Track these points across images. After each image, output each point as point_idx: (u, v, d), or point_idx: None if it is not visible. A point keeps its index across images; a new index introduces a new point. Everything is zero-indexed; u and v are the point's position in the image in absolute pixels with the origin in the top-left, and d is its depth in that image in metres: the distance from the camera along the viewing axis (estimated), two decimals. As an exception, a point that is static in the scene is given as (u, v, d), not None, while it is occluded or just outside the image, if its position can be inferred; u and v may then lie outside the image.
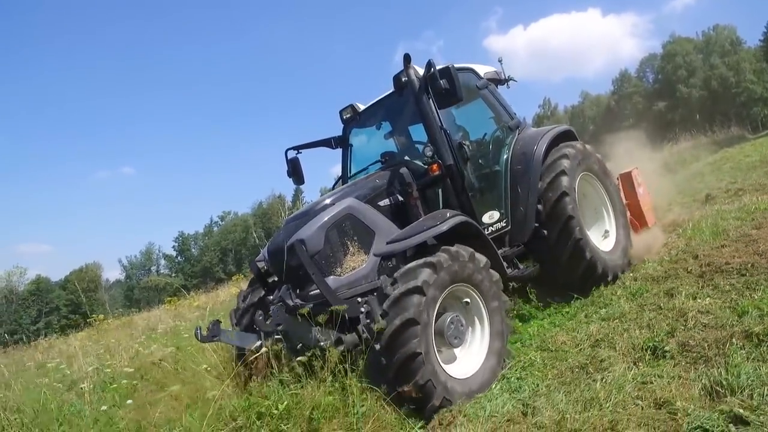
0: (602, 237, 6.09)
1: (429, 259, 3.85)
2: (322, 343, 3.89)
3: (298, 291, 4.48)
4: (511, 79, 6.61)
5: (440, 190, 5.12)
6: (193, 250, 75.88)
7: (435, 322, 3.89)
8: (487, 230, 5.27)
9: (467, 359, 4.17)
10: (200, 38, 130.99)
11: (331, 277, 4.35)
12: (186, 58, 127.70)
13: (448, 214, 4.40)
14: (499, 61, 6.62)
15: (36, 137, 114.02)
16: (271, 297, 4.81)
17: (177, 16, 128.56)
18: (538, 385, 3.73)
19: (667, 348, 3.63)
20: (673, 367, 3.40)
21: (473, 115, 6.15)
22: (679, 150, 21.15)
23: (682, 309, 4.16)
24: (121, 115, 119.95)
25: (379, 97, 5.95)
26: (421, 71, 4.94)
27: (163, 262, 76.82)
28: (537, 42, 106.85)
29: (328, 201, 4.75)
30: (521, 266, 5.45)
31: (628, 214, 6.54)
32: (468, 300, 4.20)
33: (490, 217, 5.43)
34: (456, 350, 4.17)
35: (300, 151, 6.32)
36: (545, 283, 5.70)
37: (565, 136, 6.16)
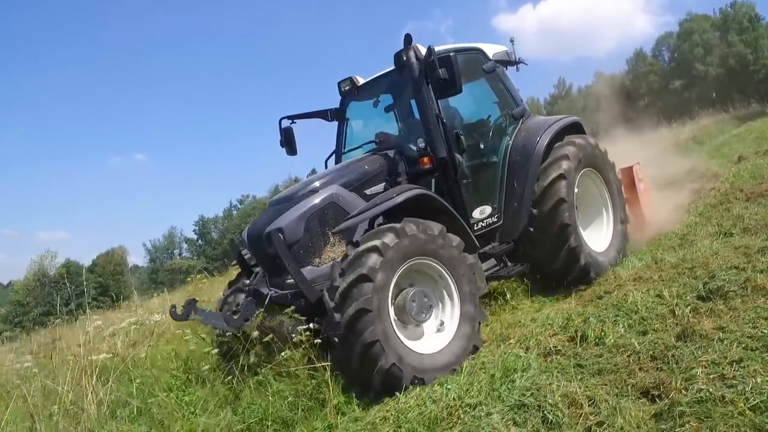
0: (597, 235, 5.90)
1: (373, 242, 3.73)
2: (294, 336, 3.83)
3: (275, 279, 4.40)
4: (521, 62, 6.26)
5: (433, 180, 4.93)
6: (213, 233, 77.07)
7: (395, 300, 3.85)
8: (477, 225, 5.07)
9: (437, 333, 4.10)
10: (212, 23, 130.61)
11: (309, 267, 4.26)
12: (201, 44, 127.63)
13: (404, 189, 4.21)
14: (511, 41, 6.30)
15: (42, 126, 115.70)
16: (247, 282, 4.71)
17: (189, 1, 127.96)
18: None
19: (733, 231, 5.66)
20: (740, 239, 5.29)
21: (478, 99, 5.90)
22: (703, 125, 21.33)
23: (740, 215, 6.20)
24: (130, 103, 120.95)
25: (380, 73, 5.66)
26: (424, 51, 4.68)
27: (185, 245, 78.38)
28: (547, 20, 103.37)
29: (317, 184, 4.60)
30: (509, 264, 5.25)
31: (627, 209, 6.36)
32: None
33: (481, 212, 5.20)
34: (425, 325, 4.08)
35: (294, 121, 6.09)
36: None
37: (572, 129, 5.87)
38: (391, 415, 3.32)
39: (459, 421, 3.08)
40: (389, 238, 3.75)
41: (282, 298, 4.22)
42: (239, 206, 79.12)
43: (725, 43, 54.59)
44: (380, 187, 4.76)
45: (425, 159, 4.73)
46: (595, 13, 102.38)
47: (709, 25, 56.88)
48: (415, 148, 4.96)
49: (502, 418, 2.96)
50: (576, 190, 5.52)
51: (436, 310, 4.14)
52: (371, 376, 3.58)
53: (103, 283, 61.73)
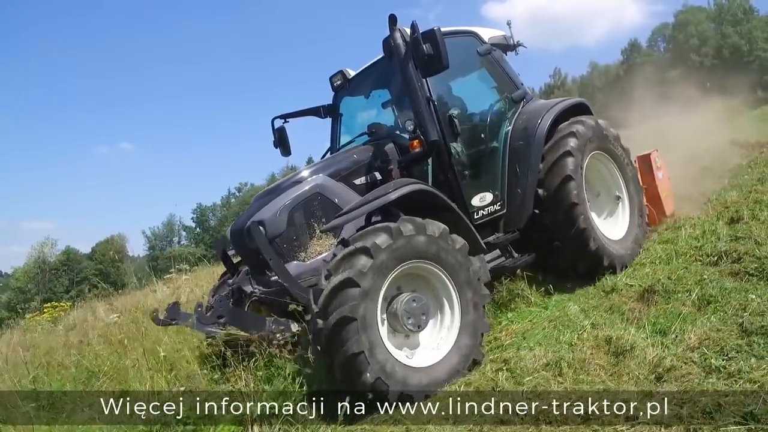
0: (612, 223, 5.47)
1: (363, 243, 3.33)
2: (278, 335, 3.55)
3: (259, 276, 4.07)
4: (520, 45, 5.85)
5: (430, 168, 4.54)
6: (211, 221, 76.99)
7: (388, 307, 3.48)
8: (478, 214, 4.70)
9: (434, 346, 3.66)
10: (204, 8, 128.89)
11: (294, 262, 3.93)
12: (194, 27, 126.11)
13: (402, 183, 3.78)
14: (508, 24, 5.88)
15: (25, 114, 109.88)
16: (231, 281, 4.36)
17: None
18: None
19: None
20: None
21: (475, 84, 5.52)
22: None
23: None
24: (115, 91, 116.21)
25: (370, 63, 5.29)
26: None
27: (184, 233, 78.31)
28: (537, 9, 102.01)
29: (302, 174, 4.26)
30: (515, 254, 4.85)
31: (644, 201, 5.91)
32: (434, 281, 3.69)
33: (482, 199, 4.79)
34: (421, 335, 3.65)
35: (287, 120, 5.75)
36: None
37: (577, 110, 5.42)
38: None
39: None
40: (382, 239, 3.34)
41: (266, 296, 3.95)
42: (238, 194, 78.92)
43: (720, 34, 54.72)
44: (370, 177, 4.44)
45: (415, 142, 4.35)
46: (585, 2, 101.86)
47: (704, 17, 57.00)
48: (406, 135, 4.61)
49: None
50: (584, 171, 5.06)
51: (435, 319, 3.73)
52: (355, 389, 3.25)
53: (103, 270, 61.75)
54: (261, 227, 3.91)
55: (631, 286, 4.46)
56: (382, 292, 3.38)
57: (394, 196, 3.59)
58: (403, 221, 3.50)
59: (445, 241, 3.60)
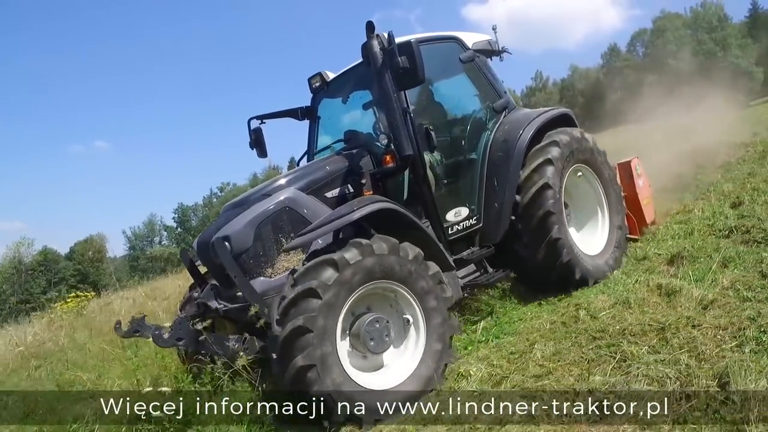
0: (590, 237, 5.34)
1: (331, 256, 3.25)
2: (242, 353, 3.42)
3: (226, 291, 3.96)
4: (505, 51, 5.64)
5: (406, 181, 4.40)
6: (193, 221, 76.06)
7: (352, 327, 3.38)
8: (452, 229, 4.53)
9: (396, 368, 3.52)
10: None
11: (261, 278, 3.81)
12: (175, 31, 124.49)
13: (367, 201, 3.65)
14: (493, 29, 5.66)
15: None
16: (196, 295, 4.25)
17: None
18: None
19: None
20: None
21: (456, 92, 5.30)
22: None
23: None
24: (88, 89, 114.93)
25: (349, 66, 5.09)
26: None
27: (165, 233, 77.24)
28: (517, 12, 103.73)
29: (272, 186, 4.14)
30: (490, 270, 4.71)
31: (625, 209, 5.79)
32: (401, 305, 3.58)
33: (456, 214, 4.62)
34: (385, 355, 3.53)
35: (264, 121, 5.56)
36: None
37: (561, 121, 5.24)
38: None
39: None
40: (351, 254, 3.25)
41: (231, 312, 3.83)
42: (220, 194, 78.16)
43: (696, 40, 56.21)
44: (342, 189, 4.28)
45: (387, 157, 4.19)
46: (565, 5, 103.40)
47: (681, 23, 58.51)
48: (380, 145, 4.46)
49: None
50: (564, 182, 4.94)
51: (399, 342, 3.62)
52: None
53: (82, 271, 60.56)
54: (227, 243, 3.78)
55: (660, 254, 5.13)
56: (345, 308, 3.28)
57: (356, 215, 3.46)
58: (377, 239, 3.41)
59: (417, 265, 3.51)
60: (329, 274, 3.19)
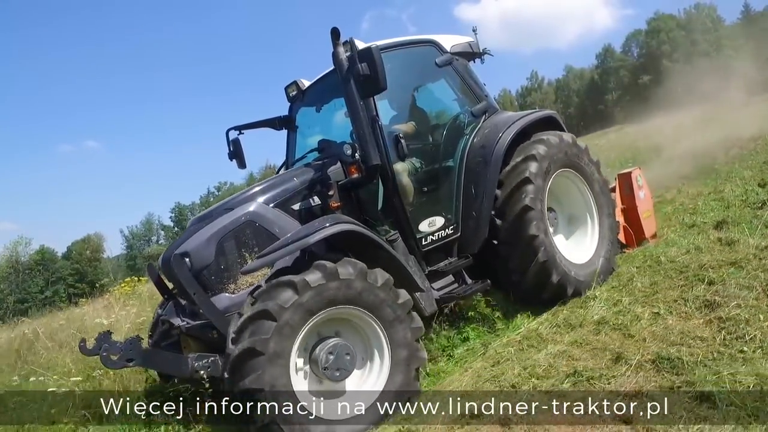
0: (579, 244, 5.11)
1: (291, 278, 3.12)
2: (201, 372, 3.27)
3: (190, 306, 3.82)
4: (486, 53, 5.42)
5: (380, 190, 4.22)
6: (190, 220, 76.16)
7: (312, 352, 3.27)
8: (426, 240, 4.34)
9: (354, 397, 3.34)
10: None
11: (224, 294, 3.69)
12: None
13: (327, 223, 3.45)
14: (474, 30, 5.48)
15: None
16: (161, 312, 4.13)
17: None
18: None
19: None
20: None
21: (434, 97, 5.16)
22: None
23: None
24: (77, 89, 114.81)
25: (323, 74, 4.94)
26: (362, 46, 3.93)
27: (162, 233, 77.14)
28: (509, 12, 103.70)
29: (236, 200, 4.02)
30: (469, 281, 4.56)
31: (622, 221, 5.60)
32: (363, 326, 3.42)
33: (431, 224, 4.42)
34: (347, 383, 3.36)
35: (242, 131, 5.41)
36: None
37: (545, 124, 5.02)
38: None
39: None
40: (314, 277, 3.13)
41: (194, 330, 3.69)
42: (217, 193, 78.05)
43: (690, 41, 56.45)
44: (308, 202, 4.12)
45: (352, 168, 4.03)
46: (557, 5, 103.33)
47: (675, 25, 58.77)
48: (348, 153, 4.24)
49: None
50: (547, 193, 4.73)
51: (360, 369, 3.45)
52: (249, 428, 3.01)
53: (80, 270, 60.26)
54: (186, 259, 3.65)
55: (706, 222, 5.81)
56: (302, 332, 3.13)
57: (313, 240, 3.29)
58: (345, 263, 3.26)
59: (386, 293, 3.35)
60: (287, 296, 3.06)
